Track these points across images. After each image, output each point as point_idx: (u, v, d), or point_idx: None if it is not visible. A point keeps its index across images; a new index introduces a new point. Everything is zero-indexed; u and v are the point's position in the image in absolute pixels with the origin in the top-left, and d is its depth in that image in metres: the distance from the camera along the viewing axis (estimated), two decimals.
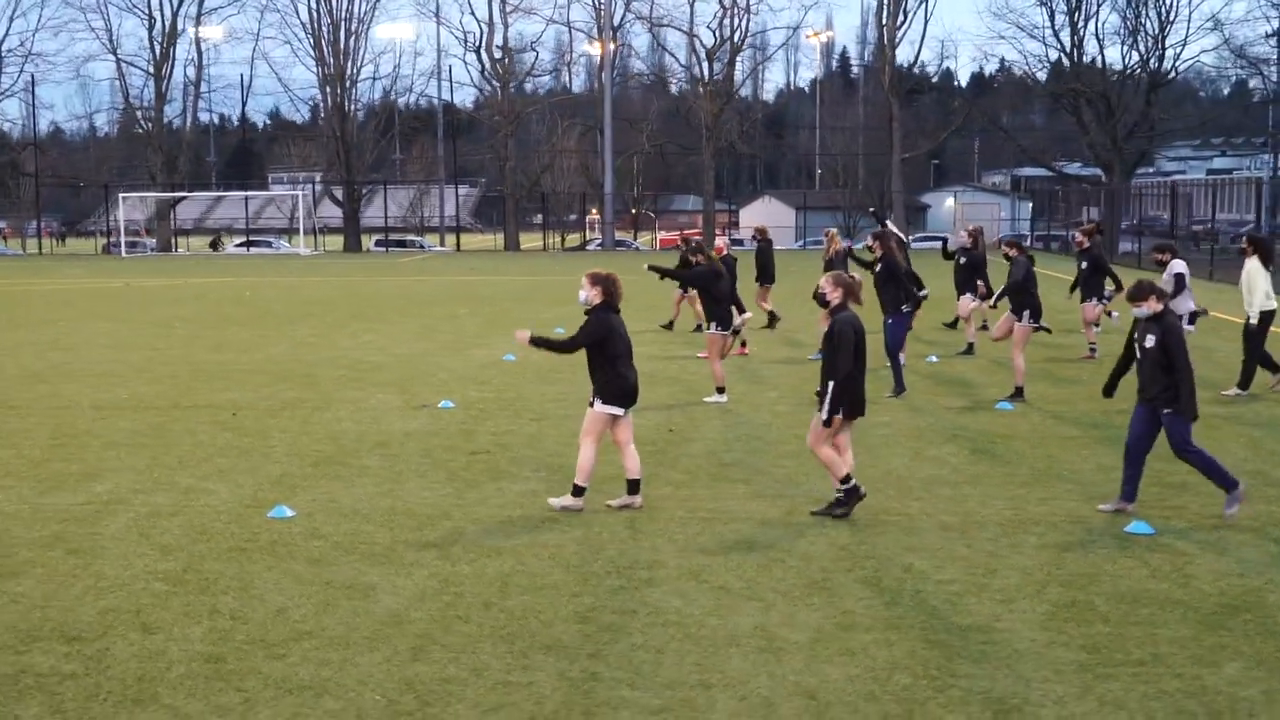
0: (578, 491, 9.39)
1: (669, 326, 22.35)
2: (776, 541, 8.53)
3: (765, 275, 21.94)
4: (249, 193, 77.54)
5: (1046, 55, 66.42)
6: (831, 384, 9.05)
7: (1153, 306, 9.15)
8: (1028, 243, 67.15)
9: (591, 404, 9.29)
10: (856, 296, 9.50)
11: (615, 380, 9.26)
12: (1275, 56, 62.70)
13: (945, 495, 9.84)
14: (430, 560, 8.13)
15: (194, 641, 6.66)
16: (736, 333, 14.89)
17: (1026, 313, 14.49)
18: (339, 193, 70.28)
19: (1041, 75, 65.06)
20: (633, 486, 9.45)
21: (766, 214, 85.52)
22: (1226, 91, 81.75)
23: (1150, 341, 9.07)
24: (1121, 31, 63.11)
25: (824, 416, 9.04)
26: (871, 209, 16.57)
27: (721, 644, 6.57)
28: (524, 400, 14.70)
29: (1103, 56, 62.97)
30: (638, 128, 67.66)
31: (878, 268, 15.07)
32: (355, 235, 68.50)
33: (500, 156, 66.09)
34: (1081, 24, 63.49)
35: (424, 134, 79.14)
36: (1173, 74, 62.66)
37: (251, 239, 69.13)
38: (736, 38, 65.87)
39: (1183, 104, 72.11)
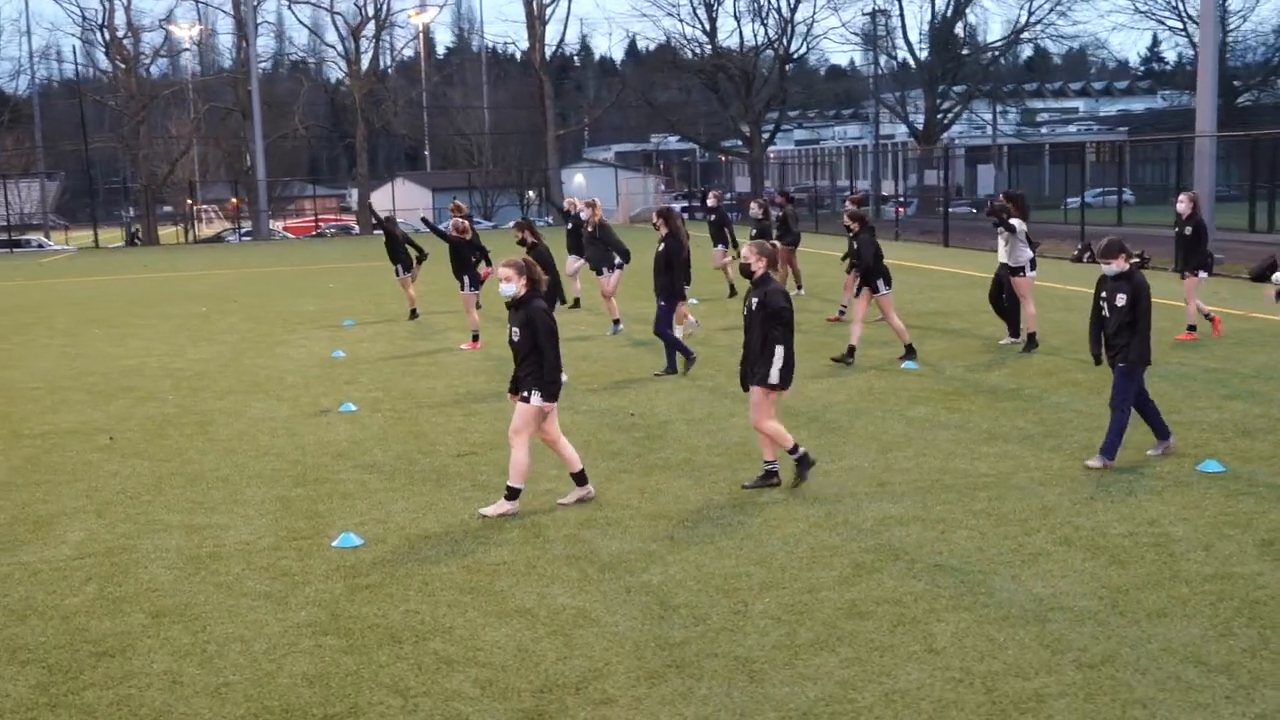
0: (513, 494, 8.62)
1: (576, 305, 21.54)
2: (938, 513, 8.26)
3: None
4: None
5: (683, 32, 68.85)
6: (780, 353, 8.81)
7: (1121, 265, 9.34)
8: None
9: (526, 398, 8.50)
10: (777, 265, 9.16)
11: (555, 371, 8.57)
12: (893, 35, 68.06)
13: (1000, 452, 9.91)
14: (646, 567, 7.28)
15: (556, 689, 5.61)
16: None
17: (881, 281, 14.67)
18: None
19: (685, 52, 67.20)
20: (581, 477, 8.88)
21: (403, 196, 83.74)
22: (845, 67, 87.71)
23: (1121, 300, 9.20)
24: (752, 11, 66.41)
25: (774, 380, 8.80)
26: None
27: (1078, 619, 6.27)
28: (420, 395, 13.56)
29: (741, 35, 65.92)
30: (287, 111, 64.11)
31: (660, 247, 14.30)
32: None
33: (129, 145, 60.83)
34: (715, 3, 66.29)
35: (27, 123, 71.50)
36: (803, 51, 66.66)
37: None
38: (381, 15, 63.74)
39: (814, 80, 76.85)
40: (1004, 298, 15.78)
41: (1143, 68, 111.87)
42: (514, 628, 6.46)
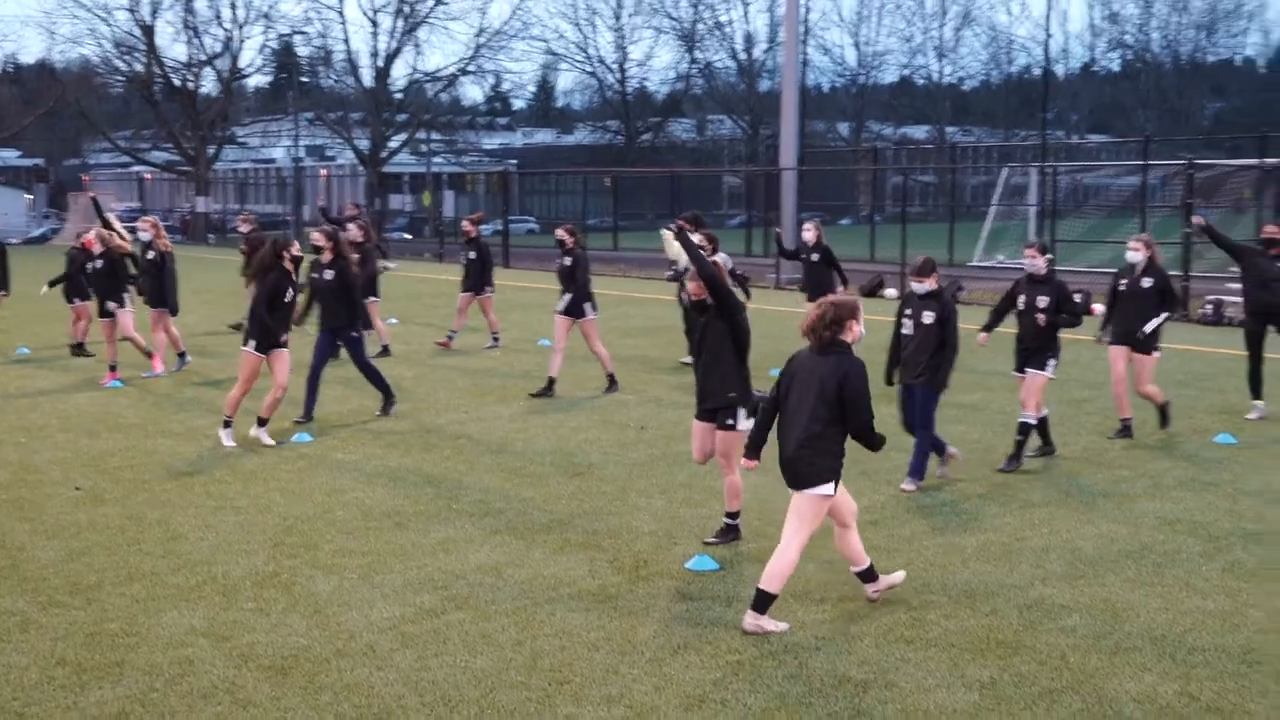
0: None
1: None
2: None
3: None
4: None
5: (115, 38, 64.26)
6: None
7: (931, 284, 9.34)
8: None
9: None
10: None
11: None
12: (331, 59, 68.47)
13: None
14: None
15: None
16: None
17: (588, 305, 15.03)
18: None
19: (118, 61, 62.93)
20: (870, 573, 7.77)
21: None
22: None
23: (928, 318, 9.27)
24: (189, 25, 63.60)
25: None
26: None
27: None
28: (365, 415, 13.43)
29: (189, 48, 62.83)
30: None
31: (327, 274, 13.09)
32: None
33: None
34: (151, 13, 62.76)
35: None
36: (249, 70, 65.22)
37: None
38: None
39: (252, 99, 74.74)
40: None
41: (485, 106, 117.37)
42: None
